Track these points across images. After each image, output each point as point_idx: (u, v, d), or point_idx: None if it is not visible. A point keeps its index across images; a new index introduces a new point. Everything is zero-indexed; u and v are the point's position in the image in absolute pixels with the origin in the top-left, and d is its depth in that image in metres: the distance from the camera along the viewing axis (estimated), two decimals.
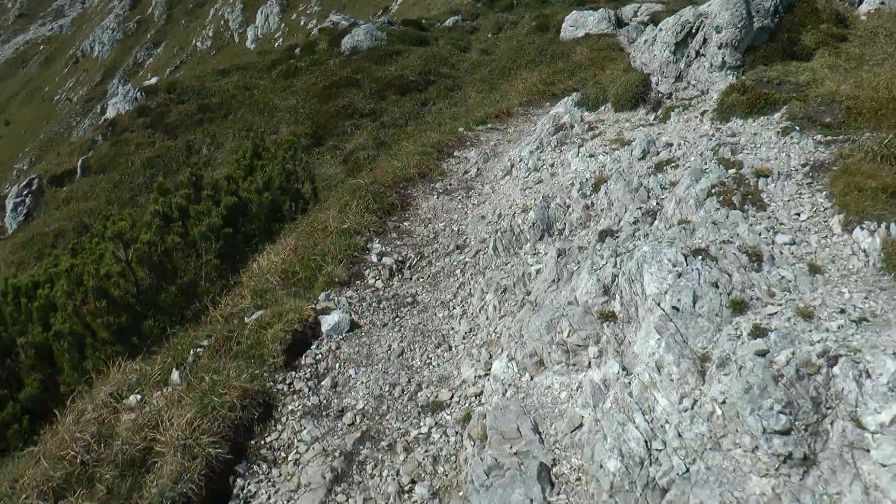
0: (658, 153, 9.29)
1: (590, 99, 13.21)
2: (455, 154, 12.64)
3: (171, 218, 11.70)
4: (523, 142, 12.41)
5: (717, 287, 5.91)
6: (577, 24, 26.17)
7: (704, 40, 11.46)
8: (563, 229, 8.86)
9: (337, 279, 8.69)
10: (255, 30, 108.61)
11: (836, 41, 11.25)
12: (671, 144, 9.37)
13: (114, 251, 10.51)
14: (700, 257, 6.25)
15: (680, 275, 6.08)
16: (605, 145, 10.50)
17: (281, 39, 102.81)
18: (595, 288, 6.79)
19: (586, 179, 9.39)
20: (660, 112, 11.38)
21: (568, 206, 9.12)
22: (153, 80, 41.79)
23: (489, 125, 14.39)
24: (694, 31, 11.60)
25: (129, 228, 10.59)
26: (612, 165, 9.47)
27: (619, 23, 26.49)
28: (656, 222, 7.79)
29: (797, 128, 8.35)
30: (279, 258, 9.70)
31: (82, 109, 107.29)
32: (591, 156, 10.34)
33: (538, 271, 8.11)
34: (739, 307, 5.69)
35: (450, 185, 11.39)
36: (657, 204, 8.12)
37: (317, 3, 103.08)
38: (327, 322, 7.96)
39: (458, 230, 10.09)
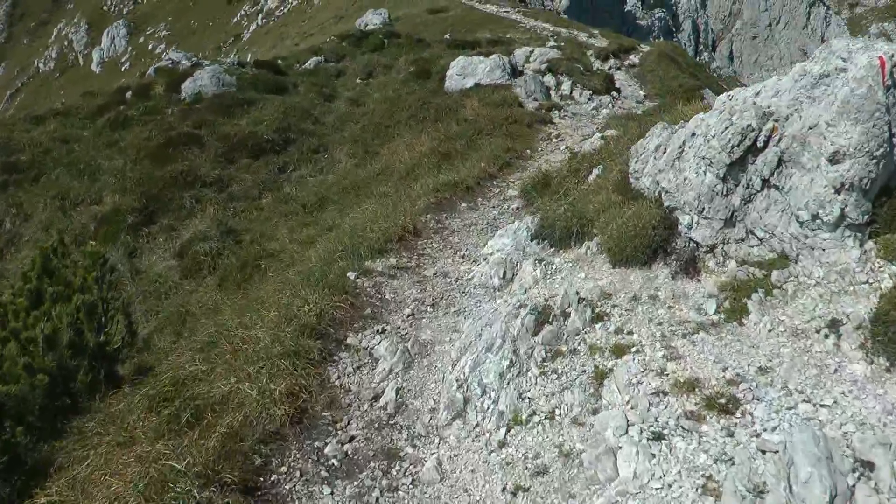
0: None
1: (556, 229, 8.00)
2: (347, 344, 7.15)
3: None
4: (468, 323, 7.13)
5: None
6: (466, 73, 21.09)
7: (781, 163, 6.25)
8: None
9: None
10: (100, 52, 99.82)
11: None
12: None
13: None
14: None
15: None
16: (667, 394, 5.24)
17: (128, 63, 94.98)
18: None
19: None
20: (721, 299, 6.27)
21: None
22: None
23: (391, 259, 9.10)
24: (761, 144, 6.41)
25: None
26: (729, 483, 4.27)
27: (514, 71, 21.47)
28: None
29: None
30: None
31: None
32: (655, 437, 5.05)
33: None
34: None
35: (349, 449, 5.87)
36: None
37: (165, 28, 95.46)
38: None
39: None
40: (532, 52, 24.57)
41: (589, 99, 22.09)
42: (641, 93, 24.42)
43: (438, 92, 21.32)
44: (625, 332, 6.24)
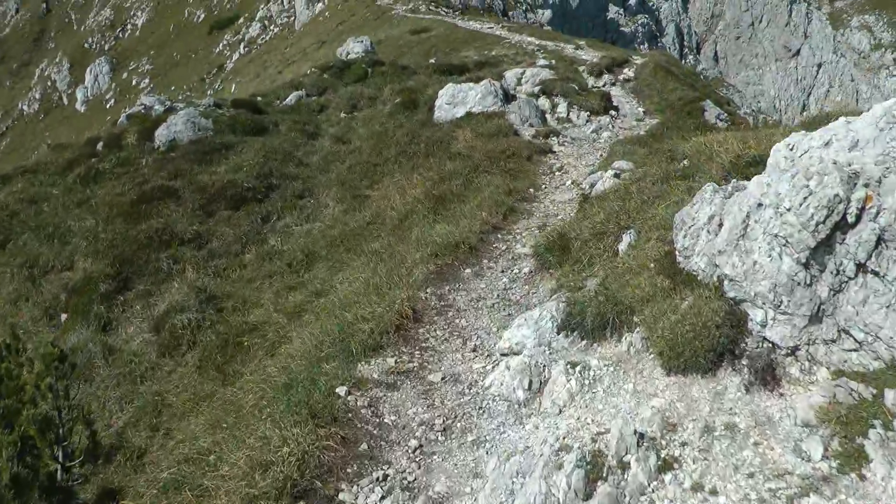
0: None
1: (587, 316, 6.41)
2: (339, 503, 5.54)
3: None
4: (492, 464, 5.63)
5: None
6: (455, 101, 19.57)
7: (880, 242, 4.68)
8: None
9: None
10: (84, 90, 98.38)
11: None
12: None
13: None
14: None
15: None
16: None
17: (113, 100, 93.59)
18: None
19: None
20: (826, 436, 4.72)
21: None
22: None
23: (389, 359, 7.51)
24: (852, 218, 4.83)
25: None
26: None
27: (507, 96, 19.96)
28: None
29: None
30: None
31: None
32: None
33: None
34: None
35: None
36: None
37: (148, 62, 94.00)
38: None
39: None
40: (523, 73, 23.07)
41: (587, 121, 20.61)
42: (640, 109, 22.94)
43: (428, 123, 19.78)
44: (705, 488, 4.65)
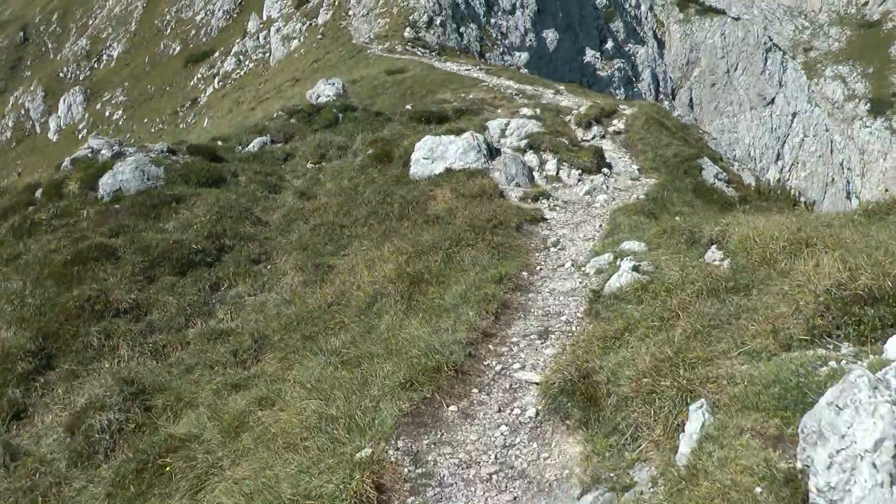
0: None
1: None
2: None
3: None
4: None
5: None
6: (434, 156, 17.25)
7: None
8: None
9: None
10: (57, 120, 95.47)
11: None
12: None
13: None
14: None
15: None
16: None
17: (85, 130, 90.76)
18: None
19: None
20: None
21: None
22: None
23: None
24: None
25: None
26: None
27: (491, 150, 17.65)
28: None
29: None
30: None
31: None
32: None
33: None
34: None
35: None
36: None
37: (122, 93, 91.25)
38: None
39: None
40: (508, 123, 20.78)
41: (579, 179, 18.34)
42: (635, 166, 20.71)
43: (402, 179, 17.39)
44: None
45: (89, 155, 19.88)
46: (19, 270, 16.40)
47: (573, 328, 9.29)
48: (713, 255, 9.97)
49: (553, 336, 9.02)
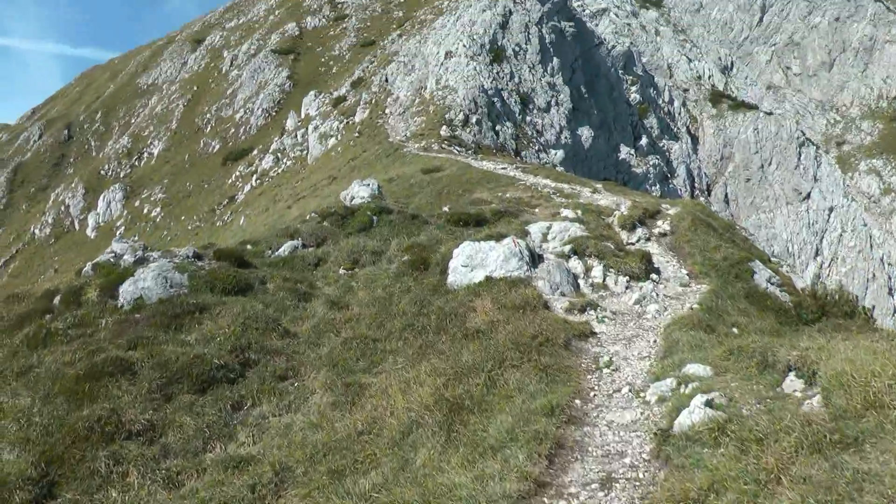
0: None
1: None
2: None
3: None
4: None
5: None
6: (474, 263, 16.09)
7: None
8: None
9: None
10: (96, 217, 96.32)
11: None
12: None
13: None
14: None
15: None
16: None
17: (123, 227, 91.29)
18: None
19: None
20: None
21: None
22: None
23: None
24: None
25: None
26: None
27: (533, 256, 16.49)
28: None
29: None
30: None
31: None
32: None
33: None
34: None
35: None
36: None
37: (161, 191, 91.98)
38: None
39: None
40: (550, 227, 19.65)
41: (627, 287, 17.05)
42: (684, 271, 19.39)
43: (440, 289, 16.21)
44: None
45: (111, 260, 18.95)
46: (29, 385, 15.26)
47: (640, 474, 7.92)
48: (793, 384, 8.62)
49: (618, 485, 7.65)
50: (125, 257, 18.57)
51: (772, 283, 20.68)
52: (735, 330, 14.97)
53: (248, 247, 20.35)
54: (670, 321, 14.37)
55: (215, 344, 15.18)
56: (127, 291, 17.15)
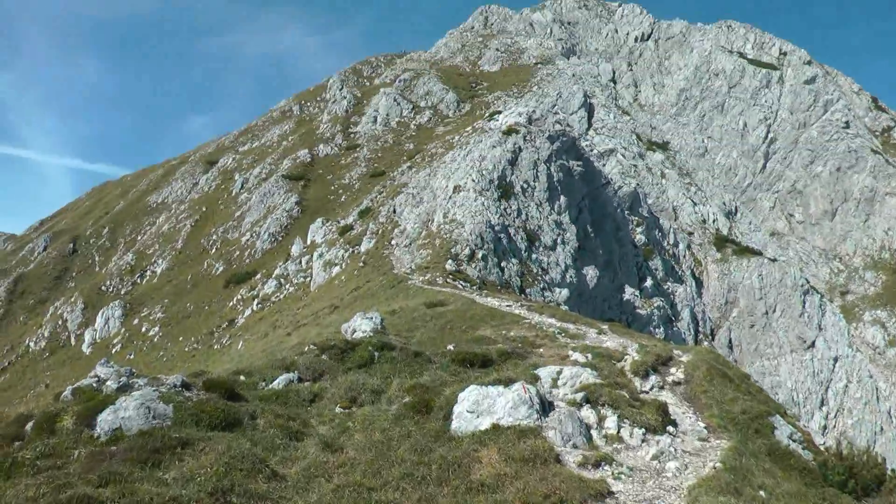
0: None
1: None
2: None
3: None
4: None
5: None
6: (480, 409, 14.94)
7: None
8: None
9: None
10: (93, 333, 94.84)
11: None
12: None
13: None
14: None
15: None
16: None
17: (119, 345, 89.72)
18: None
19: None
20: None
21: None
22: None
23: None
24: None
25: None
26: None
27: (543, 403, 15.32)
28: None
29: None
30: None
31: None
32: None
33: None
34: None
35: None
36: None
37: (161, 310, 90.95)
38: None
39: None
40: (560, 372, 18.51)
41: (643, 440, 15.81)
42: (701, 424, 18.16)
43: (443, 435, 14.96)
44: None
45: (94, 385, 17.73)
46: None
47: None
48: None
49: None
50: (108, 383, 17.37)
51: (794, 440, 19.42)
52: (762, 493, 13.71)
53: (241, 377, 19.17)
54: (694, 482, 13.13)
55: (195, 484, 13.79)
56: (105, 421, 15.88)
